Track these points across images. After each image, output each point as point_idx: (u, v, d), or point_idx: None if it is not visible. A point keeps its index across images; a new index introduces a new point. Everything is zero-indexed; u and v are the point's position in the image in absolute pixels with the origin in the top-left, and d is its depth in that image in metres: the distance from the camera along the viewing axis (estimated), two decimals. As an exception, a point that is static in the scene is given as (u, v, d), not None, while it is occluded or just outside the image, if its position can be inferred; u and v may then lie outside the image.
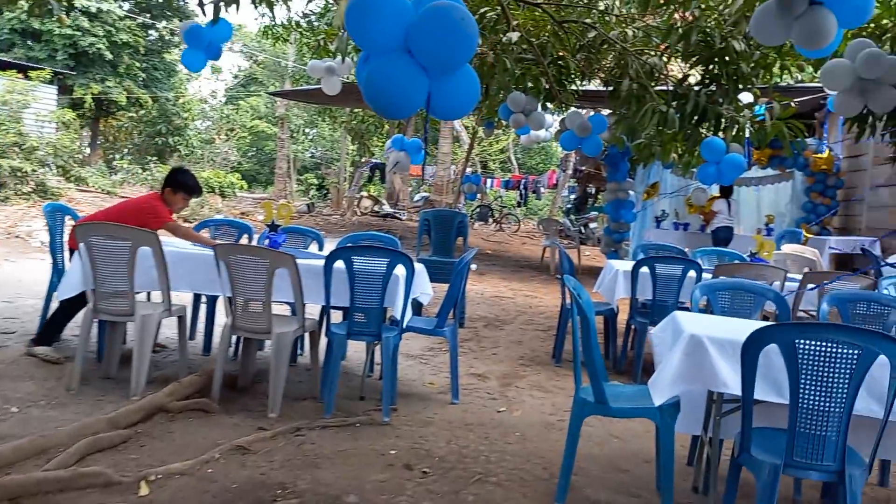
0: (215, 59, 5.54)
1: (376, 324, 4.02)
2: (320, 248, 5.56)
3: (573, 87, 7.71)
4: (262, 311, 3.96)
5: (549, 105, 7.96)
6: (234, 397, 4.22)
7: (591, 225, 19.24)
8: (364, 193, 17.59)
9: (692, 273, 5.13)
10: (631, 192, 12.68)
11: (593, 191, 22.74)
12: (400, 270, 4.03)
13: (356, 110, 15.45)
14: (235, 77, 46.89)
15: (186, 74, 37.82)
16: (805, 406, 2.33)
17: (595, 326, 3.06)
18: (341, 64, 8.04)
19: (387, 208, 16.41)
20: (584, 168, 18.10)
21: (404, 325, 4.17)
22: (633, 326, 5.45)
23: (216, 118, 44.93)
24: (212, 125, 44.37)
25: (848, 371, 2.27)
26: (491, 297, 8.86)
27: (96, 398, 4.06)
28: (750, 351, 2.40)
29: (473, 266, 11.26)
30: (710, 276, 5.14)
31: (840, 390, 2.29)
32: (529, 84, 7.68)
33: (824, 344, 2.26)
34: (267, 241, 4.62)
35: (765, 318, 4.26)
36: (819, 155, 11.59)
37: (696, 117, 6.24)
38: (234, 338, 4.62)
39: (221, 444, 3.45)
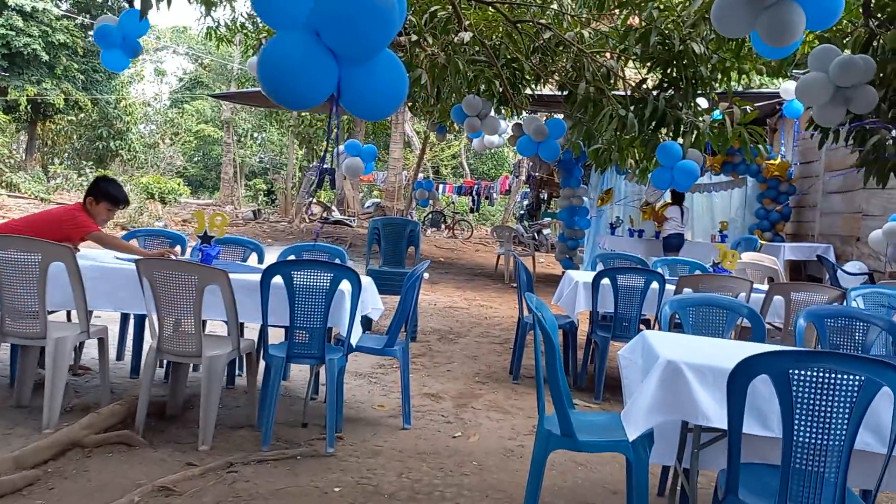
0: (135, 56, 5.11)
1: (319, 345, 3.66)
2: (260, 260, 5.17)
3: (528, 91, 7.45)
4: (191, 333, 3.56)
5: (502, 110, 7.69)
6: (161, 427, 3.81)
7: (545, 231, 19.12)
8: (313, 199, 17.13)
9: (655, 285, 4.91)
10: (585, 199, 12.54)
11: (546, 196, 22.66)
12: (345, 286, 3.68)
13: (304, 114, 15.02)
14: (180, 80, 45.76)
15: (129, 76, 36.74)
16: (800, 442, 2.06)
17: (559, 349, 2.77)
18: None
19: (336, 215, 15.98)
20: (537, 174, 17.96)
21: (352, 346, 3.82)
22: (594, 340, 5.19)
23: (160, 122, 43.74)
24: (156, 129, 43.18)
25: (848, 403, 2.01)
26: (444, 307, 8.54)
27: (3, 432, 3.60)
28: (737, 381, 2.12)
29: (426, 275, 10.93)
30: (673, 286, 4.92)
31: (840, 424, 2.03)
32: (483, 87, 7.40)
33: (822, 374, 2.00)
34: (200, 255, 4.22)
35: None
36: (772, 161, 11.61)
37: (654, 122, 6.05)
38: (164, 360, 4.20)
39: (143, 485, 3.05)
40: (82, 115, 27.77)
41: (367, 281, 4.38)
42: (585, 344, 5.34)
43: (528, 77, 7.23)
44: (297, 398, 4.50)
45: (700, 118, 6.00)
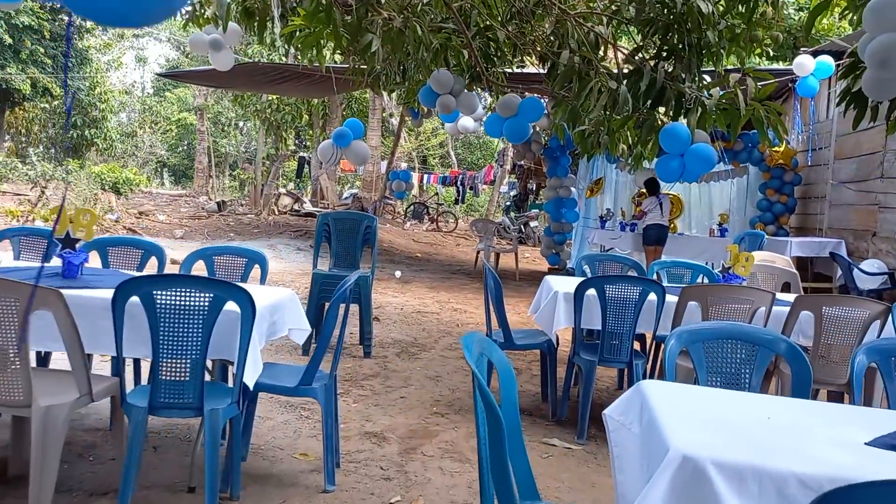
0: None
1: (194, 389, 2.67)
2: (161, 266, 4.17)
3: (505, 66, 6.46)
4: (17, 373, 2.57)
5: (476, 88, 6.70)
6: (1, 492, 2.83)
7: (532, 223, 18.14)
8: (283, 190, 16.08)
9: (652, 296, 3.94)
10: (573, 189, 11.57)
11: (534, 187, 21.66)
12: (233, 308, 2.69)
13: (270, 97, 13.98)
14: (161, 68, 44.41)
15: (106, 63, 35.44)
16: None
17: (504, 431, 1.80)
18: (224, 34, 6.63)
19: (308, 206, 14.94)
20: (522, 163, 16.97)
21: (247, 384, 2.83)
22: (577, 364, 4.22)
23: (140, 110, 42.48)
24: (136, 117, 41.92)
25: None
26: (412, 312, 7.55)
27: None
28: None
29: (397, 273, 9.96)
30: (674, 297, 3.96)
31: None
32: (453, 62, 6.41)
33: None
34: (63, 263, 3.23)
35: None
36: (776, 148, 10.66)
37: (650, 98, 5.07)
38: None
39: None
40: (56, 102, 26.52)
41: (283, 296, 3.40)
42: (567, 367, 4.37)
43: (503, 48, 6.23)
44: (189, 443, 3.52)
45: (707, 93, 5.03)
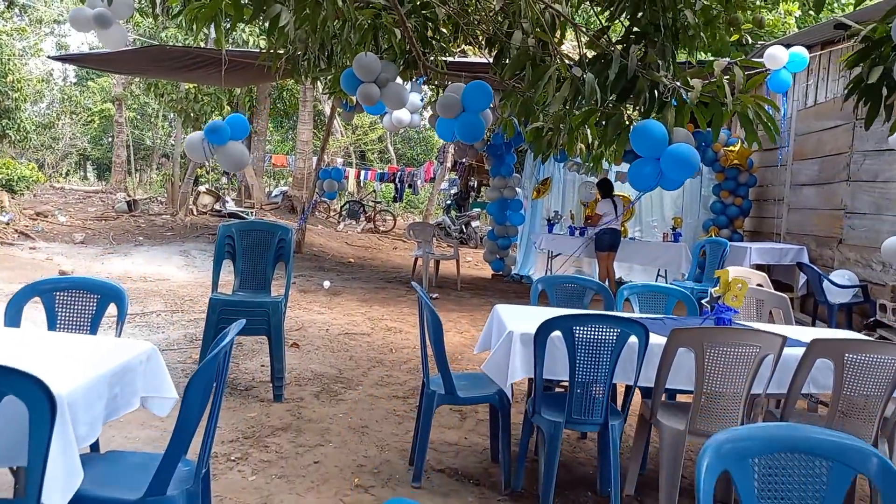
0: None
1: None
2: (120, 316, 3.13)
3: (445, 52, 5.55)
4: None
5: (410, 75, 5.76)
6: None
7: (474, 223, 17.33)
8: (202, 188, 14.80)
9: (633, 339, 3.09)
10: (519, 190, 10.75)
11: (475, 185, 20.85)
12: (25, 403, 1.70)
13: (188, 86, 12.72)
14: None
15: (21, 49, 33.06)
16: None
17: None
18: (111, 6, 5.52)
19: (231, 206, 13.73)
20: (464, 160, 16.12)
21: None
22: (537, 426, 3.34)
23: (60, 100, 40.01)
24: (58, 107, 39.45)
25: None
26: (339, 334, 6.58)
27: None
28: None
29: (326, 283, 8.96)
30: (662, 338, 3.13)
31: None
32: (384, 45, 5.47)
33: None
34: None
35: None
36: (730, 148, 10.06)
37: (619, 89, 4.24)
38: None
39: None
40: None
41: (134, 355, 2.43)
42: (524, 425, 3.48)
43: (442, 29, 5.31)
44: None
45: (684, 85, 4.22)
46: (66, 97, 39.91)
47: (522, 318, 3.52)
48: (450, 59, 7.18)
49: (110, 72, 14.34)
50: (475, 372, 4.19)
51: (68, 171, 42.81)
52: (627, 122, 4.49)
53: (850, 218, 7.80)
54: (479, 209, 18.55)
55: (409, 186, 20.49)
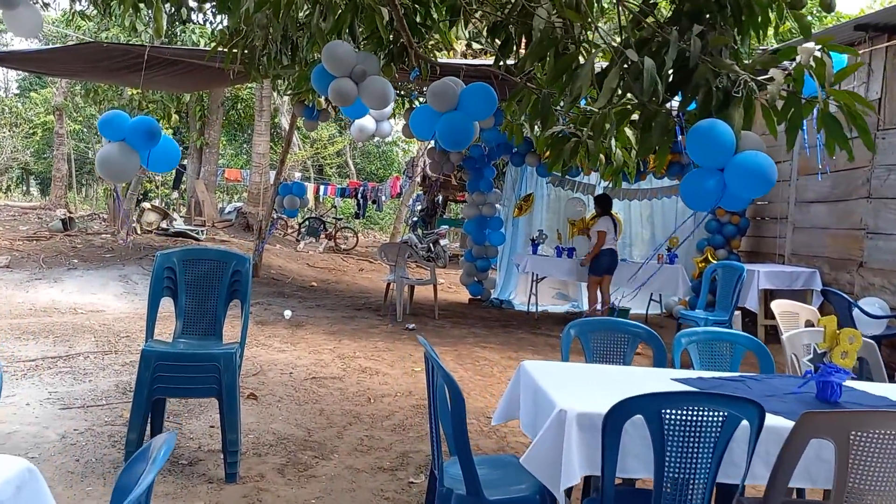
0: None
1: None
2: None
3: (439, 32, 4.61)
4: None
5: (412, 72, 4.81)
6: None
7: (442, 242, 16.37)
8: (147, 205, 13.54)
9: (744, 424, 2.17)
10: (499, 207, 9.85)
11: (441, 200, 19.93)
12: None
13: (132, 92, 11.55)
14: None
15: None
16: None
17: None
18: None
19: (179, 224, 12.52)
20: (434, 175, 15.20)
21: None
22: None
23: (0, 112, 38.01)
24: (-1, 120, 37.44)
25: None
26: (305, 378, 5.54)
27: None
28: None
29: (287, 313, 7.91)
30: (782, 423, 2.22)
31: None
32: (364, 33, 4.52)
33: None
34: None
35: None
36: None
37: (674, 81, 3.36)
38: None
39: None
40: None
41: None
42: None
43: (437, 13, 4.37)
44: None
45: (754, 76, 3.35)
46: (6, 108, 38.01)
47: (569, 386, 2.59)
48: (441, 60, 6.28)
49: (37, 72, 13.05)
50: (497, 455, 3.22)
51: (9, 185, 40.81)
52: (674, 124, 3.61)
53: (872, 239, 7.07)
54: (446, 226, 17.63)
55: (373, 202, 19.48)
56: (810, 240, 8.28)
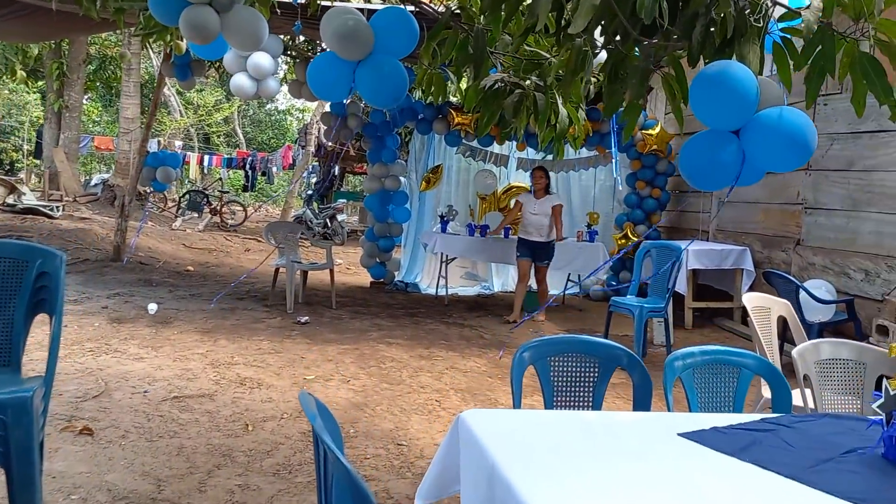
0: None
1: None
2: None
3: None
4: None
5: (294, 26, 3.66)
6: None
7: (339, 217, 15.18)
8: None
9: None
10: (403, 180, 8.81)
11: (337, 172, 18.63)
12: None
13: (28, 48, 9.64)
14: None
15: None
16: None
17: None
18: None
19: (29, 199, 10.73)
20: (330, 144, 13.95)
21: None
22: None
23: None
24: None
25: None
26: (164, 399, 4.36)
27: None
28: None
29: (151, 307, 6.63)
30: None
31: None
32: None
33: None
34: None
35: None
36: (649, 131, 8.64)
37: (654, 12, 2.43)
38: None
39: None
40: None
41: None
42: None
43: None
44: None
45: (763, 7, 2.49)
46: None
47: (540, 463, 1.63)
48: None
49: None
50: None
51: None
52: (649, 72, 2.71)
53: (811, 214, 6.50)
54: (344, 200, 16.42)
55: (263, 174, 17.97)
56: (739, 215, 7.71)
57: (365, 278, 9.56)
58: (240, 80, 6.24)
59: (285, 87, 8.64)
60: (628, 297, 6.23)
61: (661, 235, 8.90)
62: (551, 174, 9.31)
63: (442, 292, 8.52)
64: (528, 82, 2.96)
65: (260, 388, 4.72)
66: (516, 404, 2.29)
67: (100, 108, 28.84)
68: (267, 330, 6.34)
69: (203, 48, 3.66)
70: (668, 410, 2.30)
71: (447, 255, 8.25)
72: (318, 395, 4.54)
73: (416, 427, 4.20)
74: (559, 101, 3.01)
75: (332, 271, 7.51)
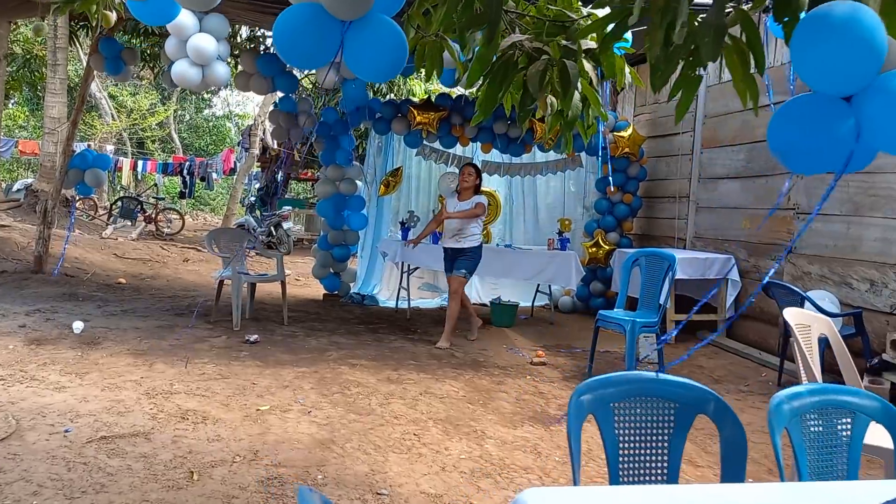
0: None
1: None
2: None
3: None
4: None
5: None
6: None
7: (285, 225, 14.35)
8: None
9: None
10: (359, 183, 8.15)
11: (282, 178, 17.76)
12: None
13: None
14: None
15: None
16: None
17: None
18: None
19: (-64, 206, 9.63)
20: (278, 145, 13.13)
21: None
22: None
23: None
24: None
25: None
26: (90, 440, 3.60)
27: None
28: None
29: (77, 325, 5.81)
30: None
31: None
32: None
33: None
34: None
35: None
36: (620, 133, 8.20)
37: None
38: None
39: None
40: None
41: None
42: None
43: None
44: None
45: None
46: None
47: None
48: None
49: None
50: None
51: None
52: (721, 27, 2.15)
53: (805, 220, 6.11)
54: (289, 207, 15.59)
55: (202, 179, 16.97)
56: (719, 221, 7.30)
57: (317, 290, 8.83)
58: (182, 68, 5.50)
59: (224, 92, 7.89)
60: (616, 310, 5.71)
61: (633, 244, 8.46)
62: (517, 177, 8.79)
63: (403, 305, 7.87)
64: (550, 48, 2.38)
65: (205, 422, 3.99)
66: (576, 478, 1.67)
67: (27, 113, 27.18)
68: (211, 351, 5.57)
69: (146, 11, 2.95)
70: (781, 480, 1.72)
71: (409, 266, 7.61)
72: (275, 431, 3.85)
73: (395, 469, 3.55)
74: (591, 73, 2.44)
75: (283, 283, 6.77)
